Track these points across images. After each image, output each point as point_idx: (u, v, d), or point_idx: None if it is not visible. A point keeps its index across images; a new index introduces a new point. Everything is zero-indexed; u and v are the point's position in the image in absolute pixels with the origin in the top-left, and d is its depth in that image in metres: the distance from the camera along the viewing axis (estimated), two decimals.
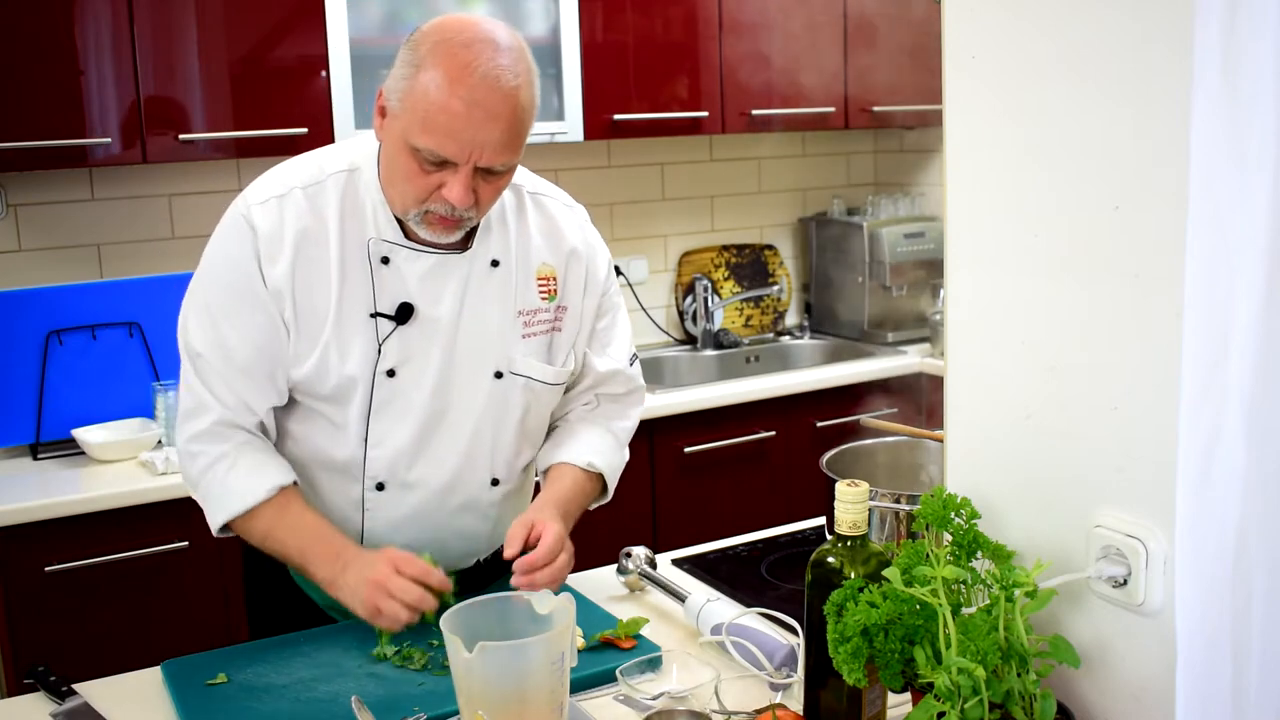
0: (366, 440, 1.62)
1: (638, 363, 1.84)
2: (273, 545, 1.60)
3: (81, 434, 2.63)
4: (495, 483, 1.71)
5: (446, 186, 1.48)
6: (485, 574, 1.77)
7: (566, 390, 1.78)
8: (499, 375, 1.65)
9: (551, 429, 1.81)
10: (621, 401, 1.82)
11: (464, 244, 1.61)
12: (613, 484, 1.79)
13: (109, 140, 2.58)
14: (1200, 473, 1.05)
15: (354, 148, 1.62)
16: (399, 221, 1.58)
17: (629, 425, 1.83)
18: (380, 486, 1.65)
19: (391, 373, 1.59)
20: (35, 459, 2.66)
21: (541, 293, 1.68)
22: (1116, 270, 1.08)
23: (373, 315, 1.58)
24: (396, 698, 1.42)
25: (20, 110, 2.49)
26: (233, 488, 1.58)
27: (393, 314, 1.58)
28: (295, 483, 1.63)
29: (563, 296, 1.70)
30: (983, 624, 1.09)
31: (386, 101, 1.50)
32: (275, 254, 1.55)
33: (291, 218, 1.55)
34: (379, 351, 1.58)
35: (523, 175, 1.71)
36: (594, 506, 1.80)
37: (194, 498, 1.64)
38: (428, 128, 1.44)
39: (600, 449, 1.76)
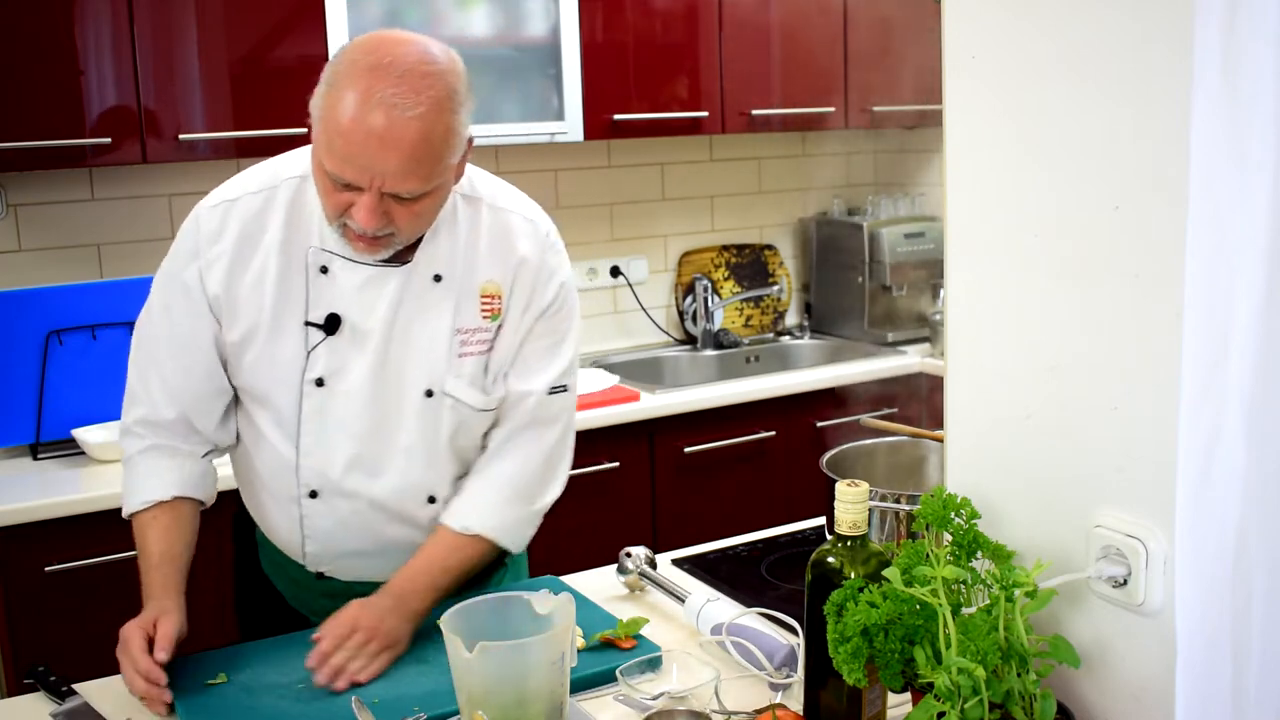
0: (298, 448, 1.63)
1: (566, 395, 1.69)
2: (138, 551, 1.61)
3: (81, 434, 2.63)
4: (432, 500, 1.68)
5: (355, 207, 1.46)
6: None
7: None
8: (429, 393, 1.62)
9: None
10: (525, 437, 1.67)
11: (405, 256, 1.59)
12: (507, 540, 1.67)
13: (109, 140, 2.58)
14: (1200, 473, 1.05)
15: (309, 153, 1.59)
16: None
17: (530, 470, 1.67)
18: (314, 494, 1.65)
19: (320, 382, 1.60)
20: (35, 459, 2.66)
21: (484, 311, 1.62)
22: (1116, 270, 1.08)
23: (306, 323, 1.59)
24: (396, 698, 1.42)
25: (20, 110, 2.49)
26: (127, 492, 1.64)
27: (322, 323, 1.58)
28: (180, 498, 1.63)
29: (505, 315, 1.64)
30: (983, 624, 1.09)
31: (311, 113, 1.49)
32: (215, 257, 1.57)
33: (235, 223, 1.58)
34: (307, 359, 1.59)
35: (489, 187, 1.68)
36: (510, 557, 1.77)
37: None
38: (329, 150, 1.43)
39: (484, 506, 1.65)
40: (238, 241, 1.57)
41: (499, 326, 1.64)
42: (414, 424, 1.62)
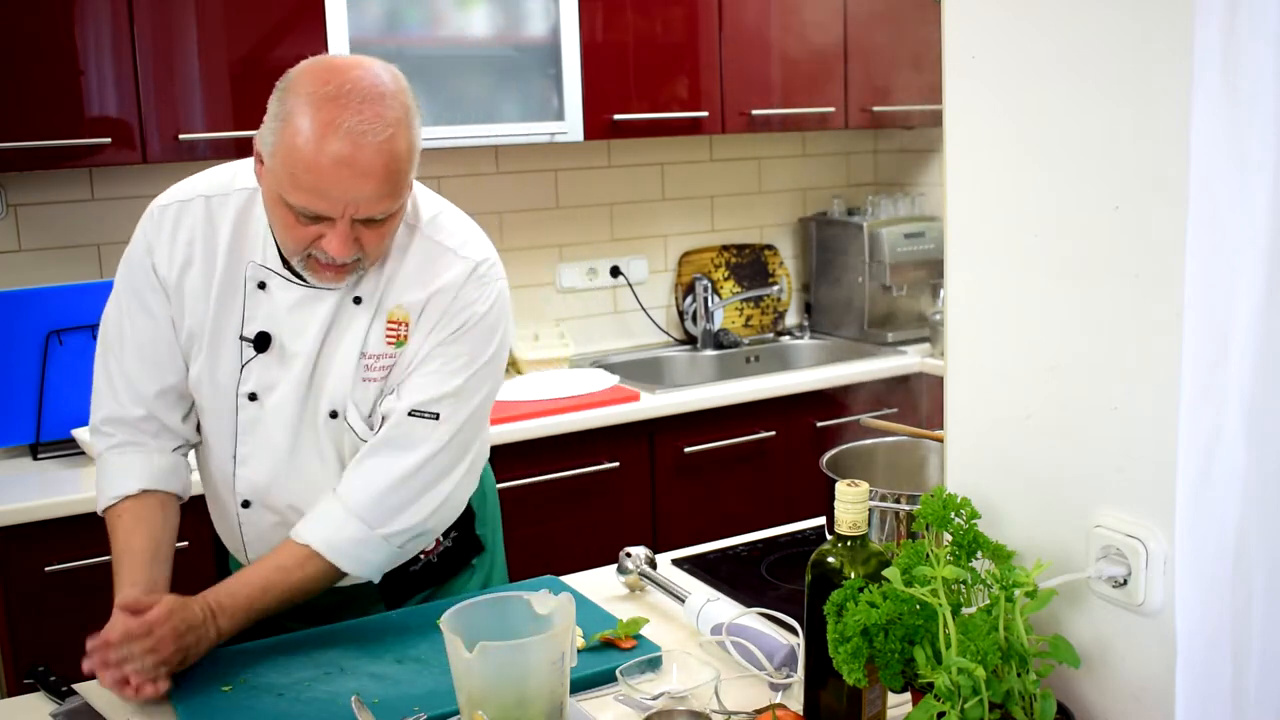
0: (235, 458, 1.65)
1: (437, 425, 1.58)
2: (111, 545, 1.62)
3: (81, 434, 2.63)
4: None
5: (325, 239, 1.45)
6: (401, 586, 1.76)
7: None
8: (333, 415, 1.61)
9: None
10: (379, 454, 1.58)
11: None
12: (342, 559, 1.56)
13: (109, 140, 2.58)
14: (1200, 473, 1.05)
15: (263, 186, 1.55)
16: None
17: (375, 489, 1.56)
18: (246, 504, 1.67)
19: (253, 396, 1.61)
20: (35, 459, 2.66)
21: (389, 337, 1.59)
22: (1116, 270, 1.08)
23: (240, 338, 1.60)
24: (396, 698, 1.42)
25: (20, 110, 2.49)
26: (99, 489, 1.66)
27: (254, 340, 1.59)
28: (147, 490, 1.63)
29: (410, 341, 1.59)
30: (983, 624, 1.09)
31: (260, 150, 1.46)
32: (167, 257, 1.59)
33: (186, 225, 1.59)
34: (240, 373, 1.60)
35: (429, 212, 1.62)
36: (349, 582, 1.63)
37: None
38: (297, 185, 1.41)
39: (322, 519, 1.57)
40: (189, 242, 1.59)
41: (401, 353, 1.60)
42: (326, 442, 1.63)
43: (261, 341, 1.59)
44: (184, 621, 1.46)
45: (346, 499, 1.58)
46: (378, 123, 1.40)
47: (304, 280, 1.56)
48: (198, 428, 1.70)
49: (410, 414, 1.58)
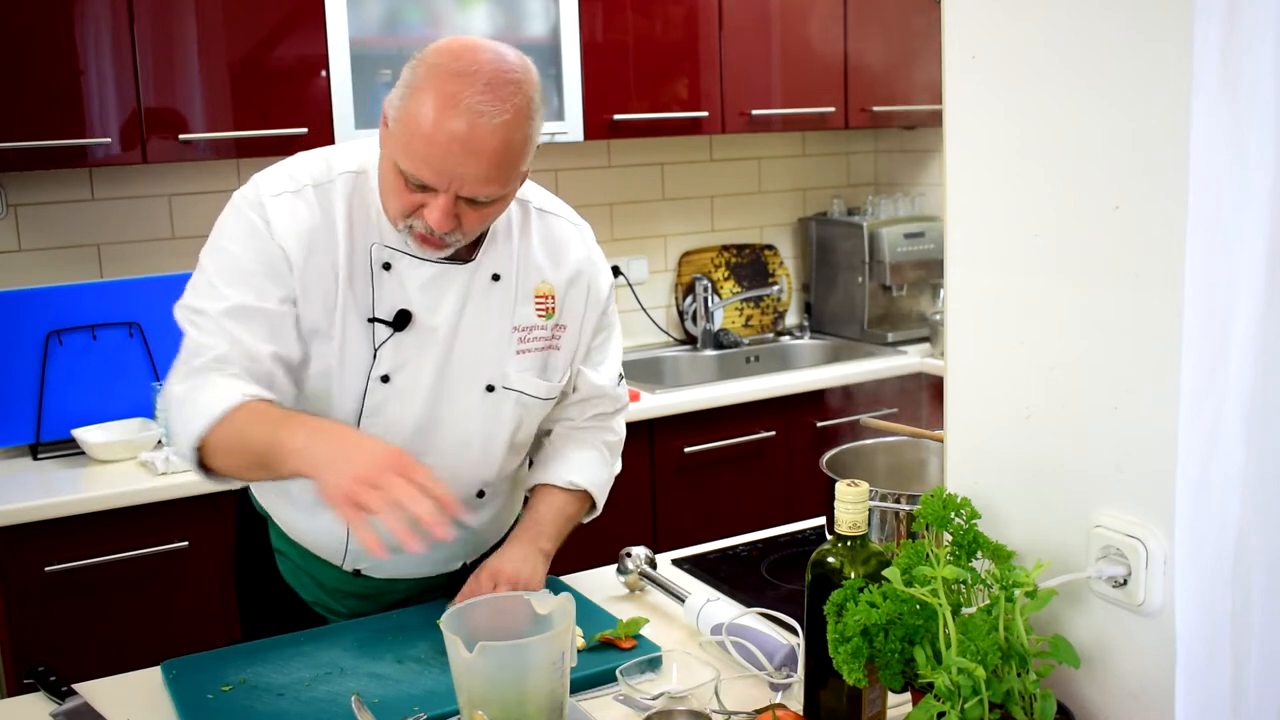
0: None
1: (624, 382, 1.84)
2: (248, 444, 1.43)
3: (81, 434, 2.63)
4: (481, 494, 1.71)
5: (427, 208, 1.47)
6: (438, 585, 1.77)
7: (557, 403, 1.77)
8: (490, 389, 1.64)
9: (538, 442, 1.80)
10: (607, 417, 1.82)
11: (468, 255, 1.61)
12: (601, 498, 1.79)
13: (109, 140, 2.58)
14: (1200, 473, 1.05)
15: (362, 149, 1.61)
16: None
17: (615, 439, 1.83)
18: None
19: (386, 378, 1.59)
20: (35, 459, 2.66)
21: (539, 310, 1.67)
22: (1116, 270, 1.08)
23: (371, 320, 1.58)
24: (396, 698, 1.42)
25: (20, 110, 2.49)
26: (202, 408, 1.45)
27: (390, 320, 1.58)
28: (265, 399, 1.47)
29: (561, 315, 1.70)
30: (983, 624, 1.09)
31: (387, 112, 1.49)
32: (293, 244, 1.52)
33: (304, 214, 1.54)
34: (374, 356, 1.58)
35: (531, 190, 1.70)
36: (587, 520, 1.81)
37: (171, 435, 1.54)
38: (409, 152, 1.44)
39: (583, 466, 1.77)
40: (310, 234, 1.53)
41: (554, 325, 1.69)
42: (475, 418, 1.65)
43: (401, 320, 1.58)
44: (511, 561, 1.64)
45: (598, 445, 1.79)
46: (497, 105, 1.43)
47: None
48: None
49: (618, 381, 1.81)
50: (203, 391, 1.46)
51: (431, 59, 1.46)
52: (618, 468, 1.84)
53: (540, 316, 1.67)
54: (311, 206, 1.55)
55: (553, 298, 1.69)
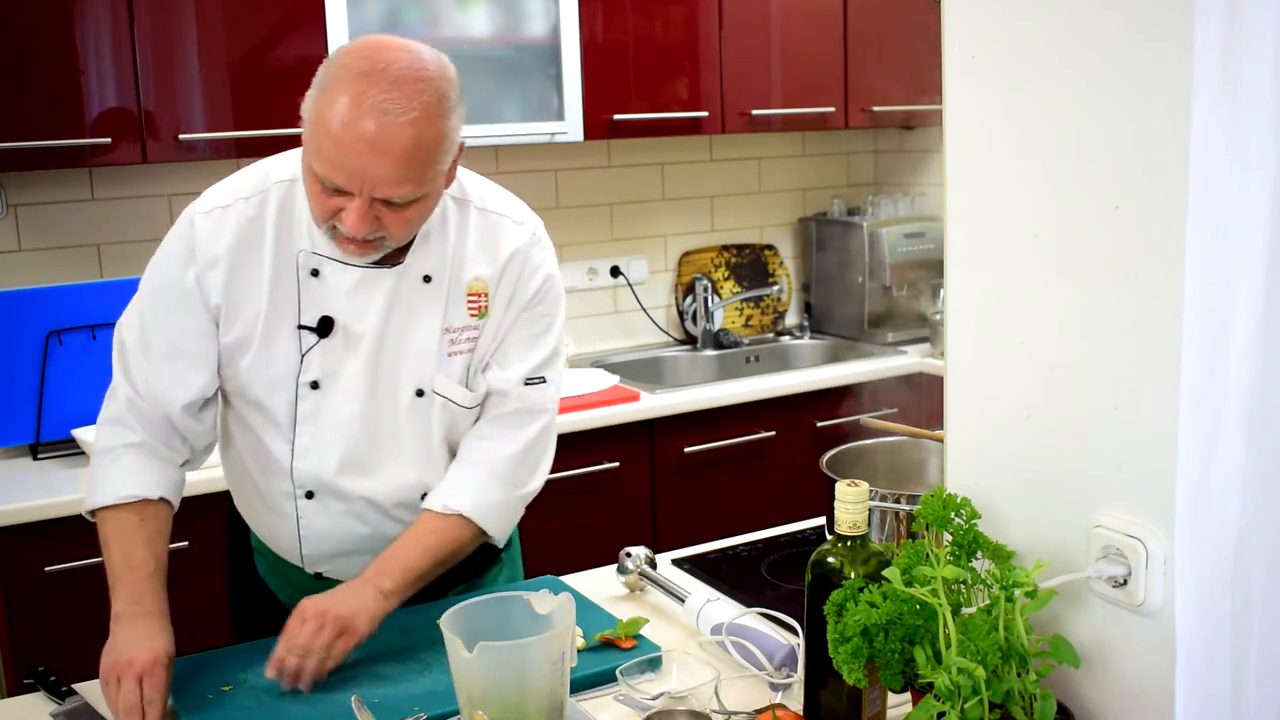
0: (293, 449, 1.63)
1: (546, 388, 1.69)
2: (106, 553, 1.57)
3: (81, 434, 2.63)
4: (424, 497, 1.68)
5: (345, 211, 1.46)
6: (434, 584, 1.74)
7: None
8: (420, 393, 1.63)
9: None
10: (505, 423, 1.67)
11: (396, 258, 1.59)
12: (489, 522, 1.65)
13: (109, 140, 2.58)
14: (1200, 473, 1.05)
15: (298, 156, 1.58)
16: None
17: (514, 451, 1.66)
18: (310, 495, 1.65)
19: (315, 385, 1.60)
20: (35, 459, 2.66)
21: (471, 310, 1.64)
22: (1116, 270, 1.08)
23: (298, 327, 1.59)
24: (396, 698, 1.42)
25: (20, 110, 2.49)
26: (102, 483, 1.58)
27: (315, 326, 1.58)
28: (165, 500, 1.59)
29: (490, 310, 1.65)
30: (983, 624, 1.09)
31: (303, 116, 1.48)
32: (212, 262, 1.57)
33: (231, 228, 1.57)
34: (301, 363, 1.59)
35: (476, 189, 1.67)
36: (503, 545, 1.77)
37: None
38: (321, 155, 1.43)
39: (466, 487, 1.64)
40: (234, 247, 1.57)
41: (485, 324, 1.65)
42: (406, 423, 1.64)
43: (324, 326, 1.58)
44: (325, 596, 1.50)
45: (484, 464, 1.65)
46: (404, 103, 1.41)
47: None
48: (205, 444, 1.68)
49: (525, 383, 1.67)
50: (104, 468, 1.60)
51: (341, 59, 1.45)
52: (533, 485, 1.70)
53: (473, 315, 1.64)
54: (240, 220, 1.57)
55: (486, 295, 1.64)
